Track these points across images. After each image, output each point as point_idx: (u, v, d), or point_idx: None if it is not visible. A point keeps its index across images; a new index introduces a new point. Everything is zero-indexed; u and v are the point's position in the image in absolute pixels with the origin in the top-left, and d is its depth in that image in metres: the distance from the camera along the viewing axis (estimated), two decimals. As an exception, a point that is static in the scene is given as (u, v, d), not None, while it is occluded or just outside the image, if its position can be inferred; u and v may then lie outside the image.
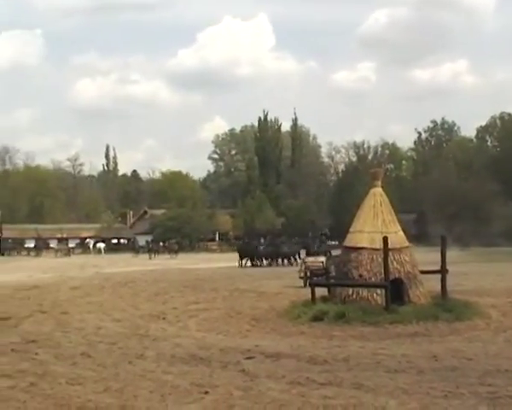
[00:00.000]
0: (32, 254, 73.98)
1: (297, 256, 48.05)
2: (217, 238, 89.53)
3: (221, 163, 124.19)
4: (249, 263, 47.36)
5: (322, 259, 26.27)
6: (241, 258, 47.42)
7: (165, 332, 13.96)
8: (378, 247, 15.98)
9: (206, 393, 8.53)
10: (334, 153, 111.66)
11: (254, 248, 51.37)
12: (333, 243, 73.92)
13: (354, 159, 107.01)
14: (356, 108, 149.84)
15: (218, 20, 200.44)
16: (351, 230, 17.20)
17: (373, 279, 16.08)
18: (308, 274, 23.80)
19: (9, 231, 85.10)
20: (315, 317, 15.21)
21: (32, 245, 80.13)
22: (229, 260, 47.33)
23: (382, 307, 15.33)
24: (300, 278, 25.17)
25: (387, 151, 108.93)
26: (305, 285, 22.92)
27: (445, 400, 8.14)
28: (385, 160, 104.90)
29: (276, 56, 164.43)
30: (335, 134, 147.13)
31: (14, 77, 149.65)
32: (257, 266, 46.83)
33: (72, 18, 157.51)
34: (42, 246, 77.37)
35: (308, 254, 47.76)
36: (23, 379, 9.43)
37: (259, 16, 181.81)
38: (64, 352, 11.57)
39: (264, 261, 48.47)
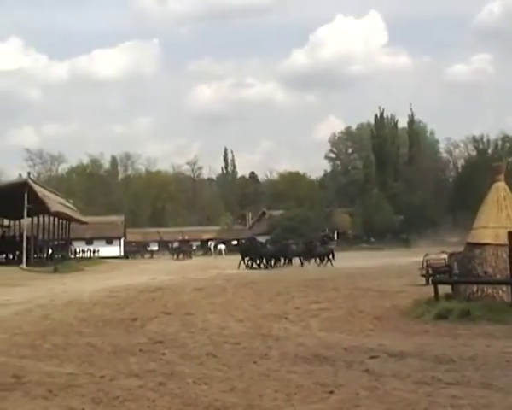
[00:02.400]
0: (155, 256, 75.84)
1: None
2: (335, 237, 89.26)
3: (338, 162, 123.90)
4: (250, 264, 44.68)
5: (445, 256, 25.75)
6: (244, 258, 44.72)
7: (287, 332, 13.97)
8: (503, 242, 15.54)
9: (332, 392, 8.49)
10: (452, 148, 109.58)
11: (261, 247, 47.15)
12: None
13: (474, 153, 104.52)
14: (473, 101, 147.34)
15: (330, 19, 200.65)
16: (474, 226, 16.83)
17: (498, 276, 15.67)
18: (430, 272, 23.43)
19: (133, 235, 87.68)
20: (439, 315, 14.91)
21: (155, 248, 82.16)
22: (349, 258, 47.09)
23: (509, 305, 14.91)
24: (422, 275, 24.75)
25: (508, 144, 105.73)
26: (427, 283, 22.54)
27: None
28: (506, 153, 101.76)
29: (389, 52, 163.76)
30: (453, 129, 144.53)
31: (133, 86, 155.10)
32: (264, 267, 44.51)
33: (186, 25, 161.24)
34: (165, 249, 79.23)
35: (312, 255, 47.15)
36: (152, 379, 9.63)
37: (371, 13, 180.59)
38: (190, 352, 11.75)
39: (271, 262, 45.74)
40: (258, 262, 45.20)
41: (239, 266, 43.20)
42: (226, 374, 9.83)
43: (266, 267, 44.63)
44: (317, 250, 48.33)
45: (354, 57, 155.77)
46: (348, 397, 8.29)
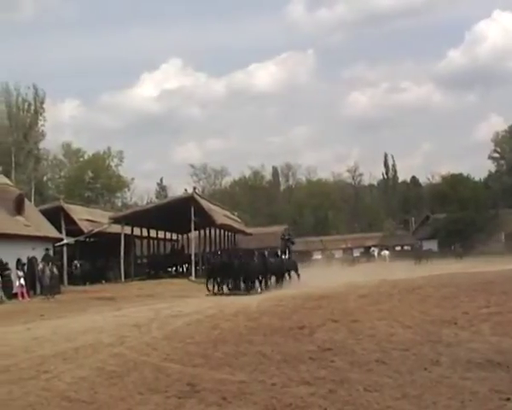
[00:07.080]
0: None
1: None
2: (502, 239, 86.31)
3: (502, 161, 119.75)
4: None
5: None
6: (213, 279, 33.97)
7: (457, 337, 13.64)
8: None
9: (508, 400, 8.23)
10: None
11: (245, 263, 34.01)
12: None
13: None
14: None
15: (486, 16, 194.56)
16: None
17: None
18: None
19: (297, 245, 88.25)
20: None
21: (318, 257, 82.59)
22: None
23: None
24: None
25: None
26: None
27: None
28: None
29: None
30: None
31: (289, 97, 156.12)
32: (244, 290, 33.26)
33: (338, 33, 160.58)
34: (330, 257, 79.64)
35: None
36: (322, 386, 9.69)
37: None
38: (358, 359, 11.72)
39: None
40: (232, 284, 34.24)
41: (208, 290, 33.72)
42: (397, 381, 9.74)
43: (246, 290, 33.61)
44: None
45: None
46: (527, 405, 8.03)
